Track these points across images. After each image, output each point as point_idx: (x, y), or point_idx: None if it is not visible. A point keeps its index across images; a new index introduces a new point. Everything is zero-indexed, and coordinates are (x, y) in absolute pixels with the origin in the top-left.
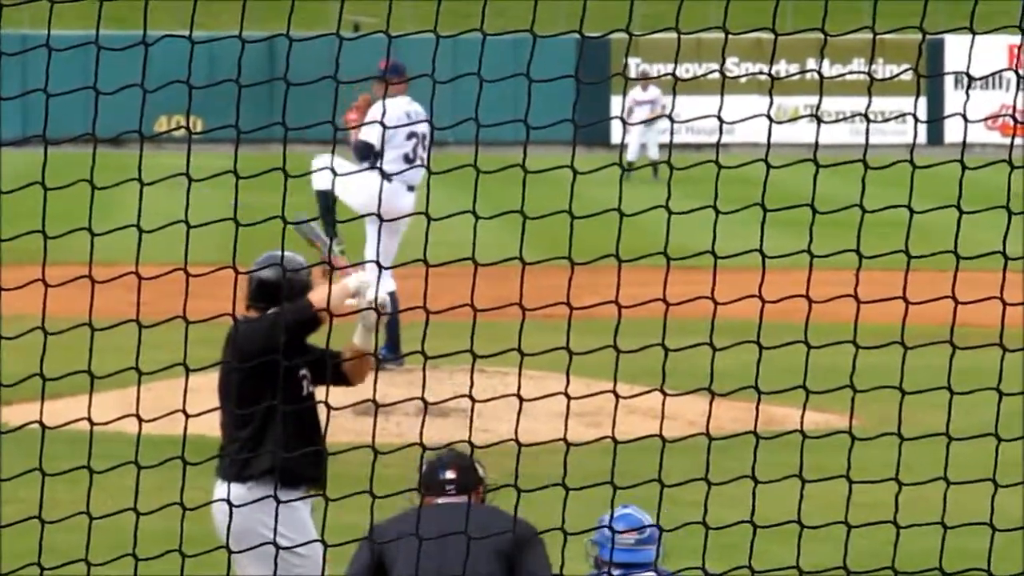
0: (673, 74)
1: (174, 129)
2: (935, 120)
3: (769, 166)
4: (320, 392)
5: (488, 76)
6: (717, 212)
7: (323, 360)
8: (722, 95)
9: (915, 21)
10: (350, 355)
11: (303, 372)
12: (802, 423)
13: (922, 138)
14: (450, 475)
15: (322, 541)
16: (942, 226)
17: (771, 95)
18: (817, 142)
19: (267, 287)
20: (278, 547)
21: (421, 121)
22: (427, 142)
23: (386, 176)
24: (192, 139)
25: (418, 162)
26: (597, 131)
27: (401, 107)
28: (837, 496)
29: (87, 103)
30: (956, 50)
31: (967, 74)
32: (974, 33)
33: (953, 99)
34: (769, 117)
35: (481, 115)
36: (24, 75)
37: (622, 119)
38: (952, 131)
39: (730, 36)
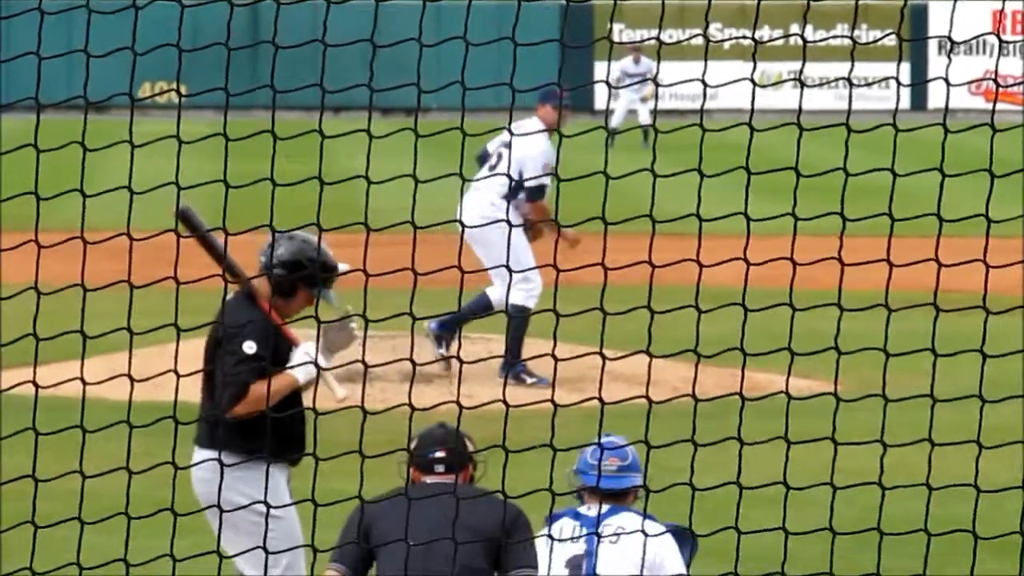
0: (658, 38)
1: (159, 93)
2: (918, 84)
3: (753, 130)
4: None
5: (472, 43)
6: (702, 176)
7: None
8: (706, 60)
9: None
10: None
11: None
12: (787, 385)
13: (906, 103)
14: (440, 454)
15: (313, 502)
16: (926, 191)
17: (755, 59)
18: (801, 107)
19: (290, 268)
20: (246, 516)
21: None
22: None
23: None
24: (172, 106)
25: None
26: (581, 97)
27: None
28: (823, 462)
29: (68, 69)
30: (940, 16)
31: (949, 38)
32: None
33: (937, 65)
34: (753, 81)
35: (465, 81)
36: (9, 41)
37: (607, 83)
38: (936, 96)
39: (713, 2)
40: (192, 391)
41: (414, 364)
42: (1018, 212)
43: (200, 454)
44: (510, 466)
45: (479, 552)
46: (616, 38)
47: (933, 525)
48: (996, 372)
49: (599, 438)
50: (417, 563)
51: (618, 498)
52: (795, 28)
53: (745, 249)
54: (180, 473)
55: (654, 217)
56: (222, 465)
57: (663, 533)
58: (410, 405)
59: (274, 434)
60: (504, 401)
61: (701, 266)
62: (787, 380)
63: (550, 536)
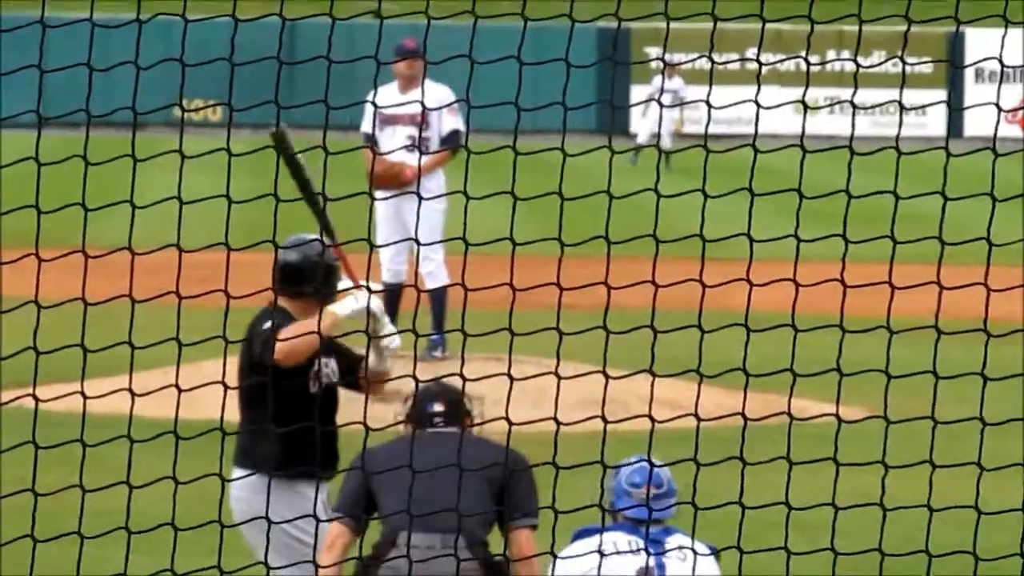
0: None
1: (194, 110)
2: (917, 108)
3: (756, 150)
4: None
5: (510, 64)
6: (753, 195)
7: (347, 361)
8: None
9: (934, 14)
10: (364, 376)
11: (324, 361)
12: (789, 406)
13: (941, 131)
14: (438, 407)
15: (315, 519)
16: (972, 220)
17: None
18: (803, 130)
19: (291, 270)
20: (284, 534)
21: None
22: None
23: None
24: (212, 124)
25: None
26: (618, 121)
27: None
28: (842, 488)
29: (103, 87)
30: (977, 43)
31: (951, 62)
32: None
33: (973, 92)
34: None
35: (488, 103)
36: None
37: (611, 103)
38: (971, 124)
39: (750, 27)
40: (201, 407)
41: (416, 381)
42: None
43: (237, 473)
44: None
45: (485, 493)
46: (654, 64)
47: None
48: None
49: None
50: (423, 501)
51: (656, 523)
52: (831, 54)
53: (748, 271)
54: (200, 491)
55: (658, 237)
56: (269, 480)
57: (710, 554)
58: (412, 423)
59: (309, 448)
60: (508, 420)
61: (704, 287)
62: (789, 399)
63: (600, 552)
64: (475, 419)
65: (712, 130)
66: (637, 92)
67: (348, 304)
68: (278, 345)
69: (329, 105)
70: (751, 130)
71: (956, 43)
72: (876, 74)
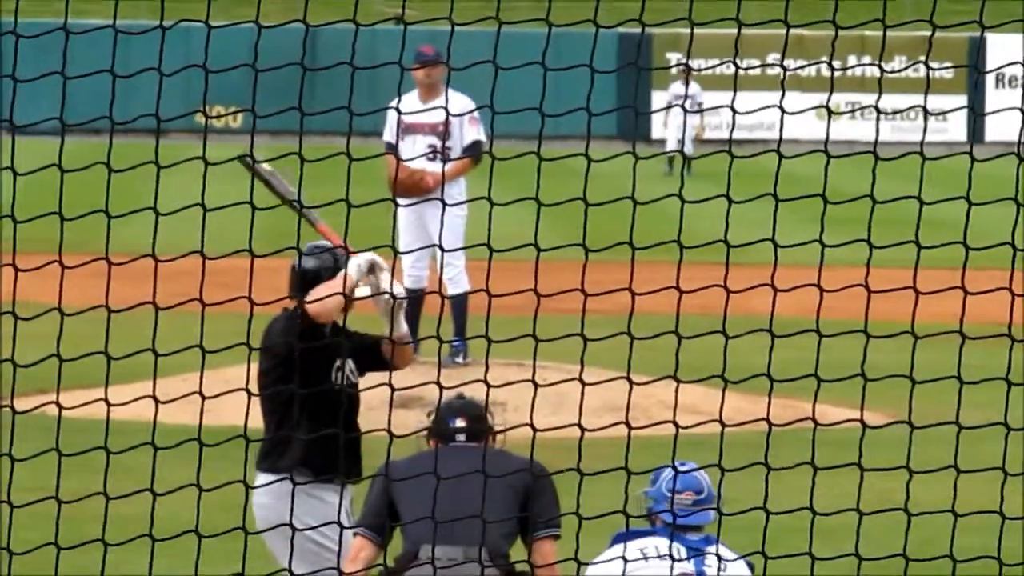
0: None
1: (192, 112)
2: (937, 113)
3: (781, 156)
4: (362, 383)
5: (530, 70)
6: (777, 201)
7: (364, 347)
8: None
9: (955, 20)
10: (386, 345)
11: (338, 364)
12: (813, 411)
13: (962, 136)
14: (460, 423)
15: (340, 525)
16: (994, 225)
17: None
18: (828, 135)
19: (306, 277)
20: (307, 539)
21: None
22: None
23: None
24: (232, 130)
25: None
26: (639, 127)
27: None
28: (866, 493)
29: (122, 94)
30: (998, 49)
31: (975, 67)
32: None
33: (995, 98)
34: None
35: (512, 109)
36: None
37: (634, 108)
38: (992, 130)
39: (770, 32)
40: (240, 415)
41: (441, 388)
42: None
43: (259, 480)
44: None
45: (507, 506)
46: (674, 69)
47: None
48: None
49: (673, 463)
50: (445, 514)
51: (695, 530)
52: (852, 59)
53: (773, 276)
54: (221, 498)
55: (682, 243)
56: (293, 484)
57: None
58: (435, 432)
59: (332, 453)
60: (532, 426)
61: (728, 292)
62: (814, 404)
63: (643, 554)
64: (496, 427)
65: (723, 135)
66: (657, 97)
67: (352, 267)
68: (309, 307)
69: (352, 111)
70: (771, 135)
71: (978, 48)
72: (897, 79)
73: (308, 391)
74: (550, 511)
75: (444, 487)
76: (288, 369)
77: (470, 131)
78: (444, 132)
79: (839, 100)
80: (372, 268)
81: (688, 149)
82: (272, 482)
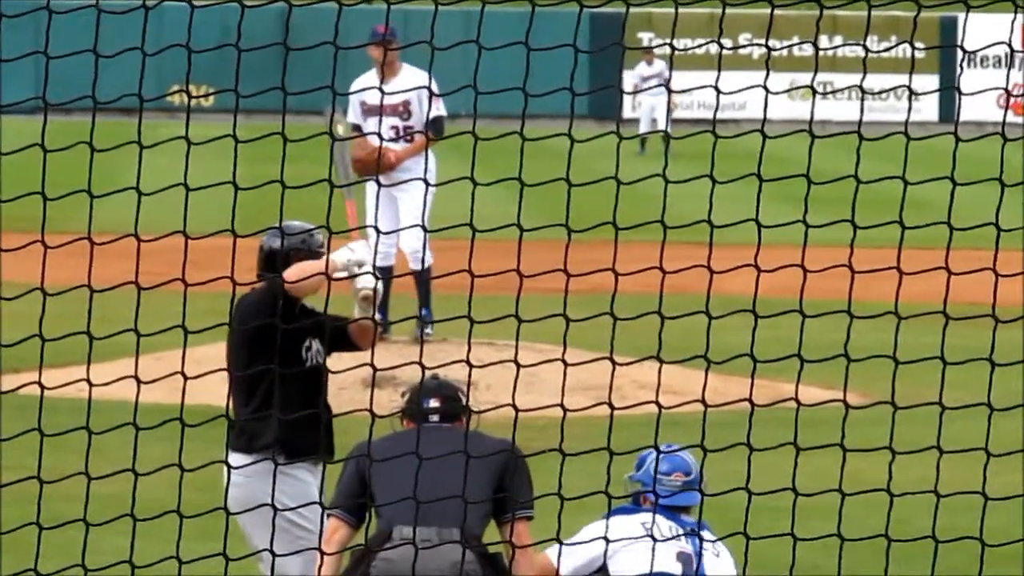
0: (671, 44)
1: (177, 92)
2: (925, 93)
3: (765, 136)
4: (330, 364)
5: (501, 51)
6: (714, 182)
7: (331, 328)
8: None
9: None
10: (355, 326)
11: (307, 343)
12: (797, 391)
13: (935, 116)
14: (434, 403)
15: (321, 506)
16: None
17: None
18: (812, 115)
19: (274, 256)
20: (274, 516)
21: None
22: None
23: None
24: (203, 109)
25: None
26: (610, 106)
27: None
28: (835, 473)
29: (101, 72)
30: (970, 28)
31: (961, 47)
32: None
33: (966, 78)
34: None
35: (492, 88)
36: (37, 43)
37: (619, 88)
38: (965, 109)
39: (744, 12)
40: (214, 394)
41: (423, 367)
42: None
43: (236, 458)
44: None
45: (482, 487)
46: (656, 47)
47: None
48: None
49: (657, 444)
50: (419, 494)
51: (686, 511)
52: (824, 40)
53: (756, 256)
54: (196, 477)
55: (666, 223)
56: (275, 464)
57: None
58: (421, 409)
59: (305, 433)
60: (514, 406)
61: (712, 273)
62: (796, 384)
63: (651, 535)
64: (471, 408)
65: (702, 115)
66: (628, 77)
67: (343, 254)
68: (289, 283)
69: (336, 91)
70: (742, 115)
71: (962, 27)
72: (870, 59)
73: (282, 371)
74: (525, 493)
75: (419, 468)
76: (259, 347)
77: (431, 108)
78: (404, 112)
79: (805, 79)
80: (359, 265)
81: (663, 127)
82: (252, 463)
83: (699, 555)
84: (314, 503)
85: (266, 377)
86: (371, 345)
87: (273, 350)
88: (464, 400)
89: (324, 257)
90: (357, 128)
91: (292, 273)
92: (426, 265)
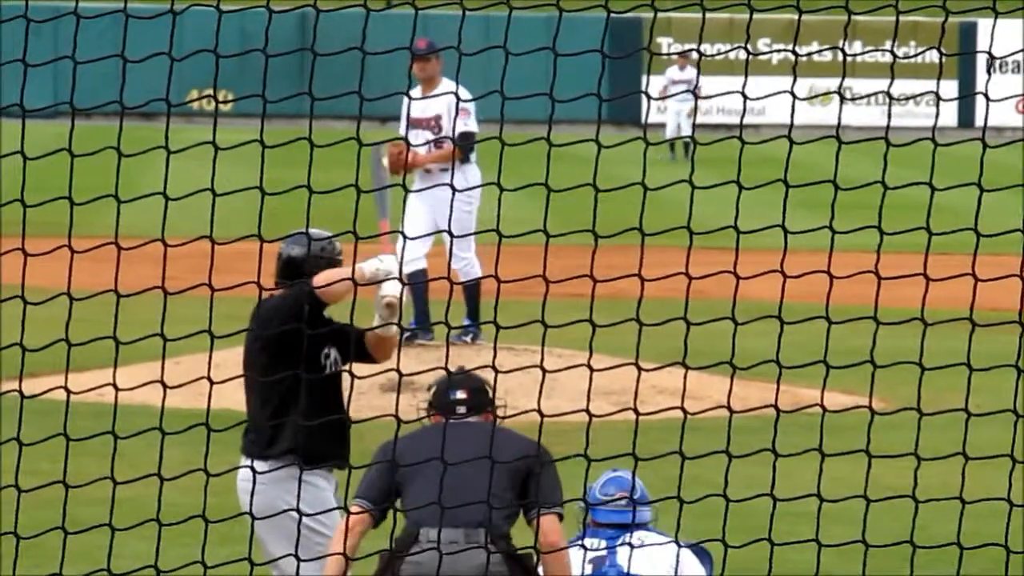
0: (698, 50)
1: (199, 99)
2: (954, 99)
3: (792, 143)
4: (346, 372)
5: (518, 56)
6: (740, 188)
7: (345, 335)
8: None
9: (967, 6)
10: (372, 337)
11: (326, 351)
12: (822, 397)
13: (953, 121)
14: (460, 395)
15: (345, 510)
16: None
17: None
18: (840, 121)
19: (294, 264)
20: (299, 522)
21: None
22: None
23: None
24: (222, 114)
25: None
26: (628, 111)
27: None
28: (861, 480)
29: (120, 77)
30: (988, 34)
31: (990, 53)
32: (997, 14)
33: (984, 82)
34: (793, 94)
35: (510, 94)
36: (56, 47)
37: (646, 93)
38: (983, 114)
39: (762, 17)
40: (234, 398)
41: (449, 372)
42: None
43: (249, 463)
44: None
45: (506, 483)
46: (664, 51)
47: (966, 541)
48: None
49: (609, 474)
50: (446, 494)
51: (626, 527)
52: (844, 46)
53: (782, 262)
54: (212, 480)
55: (691, 229)
56: (301, 471)
57: (681, 547)
58: (445, 415)
59: (322, 439)
60: (540, 412)
61: (738, 279)
62: (822, 390)
63: (583, 546)
64: (497, 403)
65: (722, 120)
66: (657, 81)
67: (372, 264)
68: (319, 288)
69: (363, 96)
70: (761, 120)
71: (967, 33)
72: (881, 64)
73: (303, 377)
74: (554, 492)
75: (444, 472)
76: (280, 352)
77: (459, 124)
78: (436, 126)
79: (824, 85)
80: (387, 274)
81: (687, 131)
82: (270, 470)
83: (613, 551)
84: (333, 509)
85: (284, 382)
86: (388, 357)
87: (294, 356)
88: (490, 392)
89: (350, 266)
90: (405, 141)
91: (321, 279)
92: (475, 277)
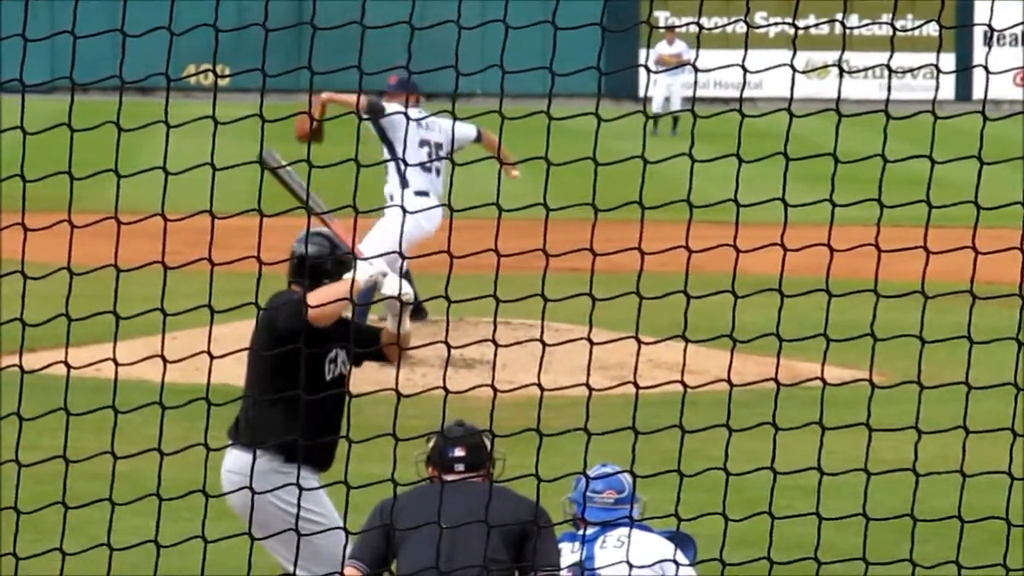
0: (698, 23)
1: (197, 73)
2: (954, 71)
3: (792, 116)
4: (353, 371)
5: (512, 30)
6: (740, 161)
7: (364, 338)
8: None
9: None
10: (386, 338)
11: (332, 355)
12: (822, 370)
13: (951, 94)
14: (459, 453)
15: (346, 485)
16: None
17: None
18: (840, 94)
19: (304, 263)
20: (287, 514)
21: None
22: (443, 152)
23: (408, 211)
24: (219, 88)
25: (434, 172)
26: (625, 84)
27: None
28: (860, 453)
29: (116, 51)
30: (986, 7)
31: (989, 26)
32: None
33: (982, 55)
34: (793, 67)
35: (507, 67)
36: (53, 23)
37: (646, 67)
38: (980, 87)
39: None
40: (234, 373)
41: (449, 347)
42: None
43: (231, 451)
44: (543, 451)
45: (501, 546)
46: (662, 25)
47: (966, 514)
48: None
49: (596, 468)
50: (442, 559)
51: (616, 526)
52: (840, 18)
53: (782, 236)
54: (212, 455)
55: (692, 203)
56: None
57: (660, 536)
58: (444, 388)
59: (311, 439)
60: (539, 386)
61: (738, 252)
62: (823, 364)
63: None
64: (495, 463)
65: (718, 94)
66: (643, 56)
67: (365, 270)
68: (311, 310)
69: (362, 71)
70: (758, 94)
71: (964, 6)
72: (879, 37)
73: (303, 383)
74: (551, 554)
75: (443, 522)
76: (284, 352)
77: (461, 135)
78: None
79: (827, 57)
80: (383, 274)
81: (678, 106)
82: (251, 456)
83: (590, 557)
84: (314, 489)
85: (284, 384)
86: (399, 355)
87: (292, 360)
88: (489, 447)
89: (347, 282)
90: (377, 100)
91: (317, 297)
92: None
